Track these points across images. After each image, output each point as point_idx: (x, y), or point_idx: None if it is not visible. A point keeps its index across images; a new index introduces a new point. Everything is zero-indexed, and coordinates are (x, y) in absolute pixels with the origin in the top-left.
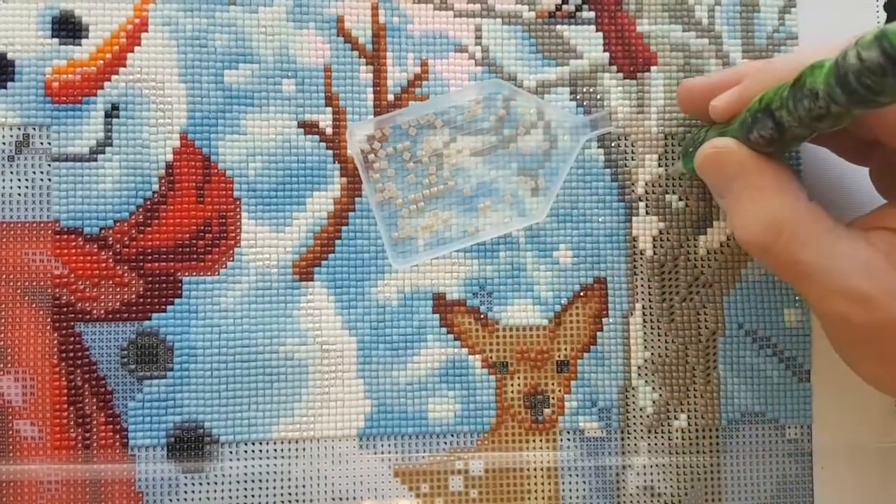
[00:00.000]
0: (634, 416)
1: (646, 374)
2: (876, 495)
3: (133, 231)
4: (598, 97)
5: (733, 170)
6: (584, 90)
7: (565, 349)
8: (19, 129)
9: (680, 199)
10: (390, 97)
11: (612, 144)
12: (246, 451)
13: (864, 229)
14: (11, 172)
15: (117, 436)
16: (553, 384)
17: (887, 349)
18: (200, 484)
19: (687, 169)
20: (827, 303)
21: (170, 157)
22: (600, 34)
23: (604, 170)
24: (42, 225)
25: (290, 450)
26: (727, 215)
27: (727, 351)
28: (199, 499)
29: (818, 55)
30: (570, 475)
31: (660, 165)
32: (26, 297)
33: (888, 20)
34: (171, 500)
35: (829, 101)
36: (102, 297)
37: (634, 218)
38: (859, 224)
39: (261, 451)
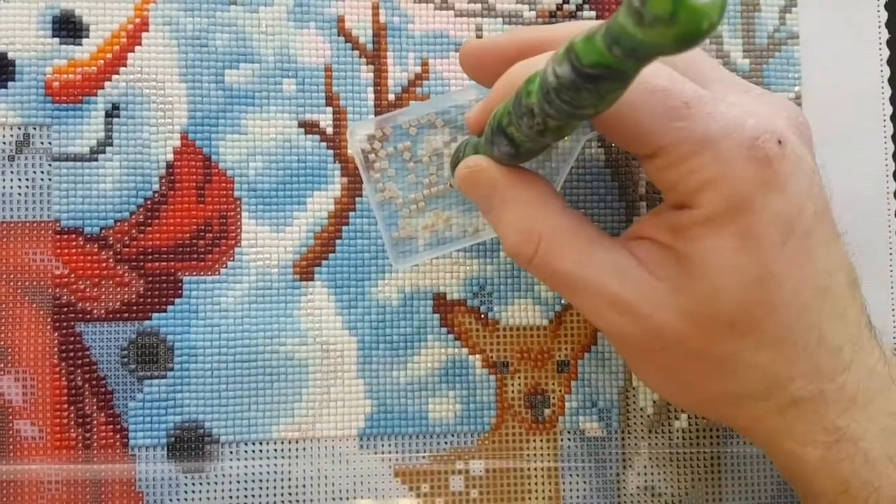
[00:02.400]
0: (635, 416)
1: None
2: None
3: (133, 231)
4: None
5: (487, 187)
6: None
7: (566, 349)
8: (20, 128)
9: None
10: (391, 97)
11: (613, 144)
12: (246, 451)
13: (626, 239)
14: (12, 172)
15: (117, 436)
16: (553, 384)
17: (664, 361)
18: (201, 484)
19: (455, 183)
20: (594, 313)
21: (170, 156)
22: None
23: (604, 169)
24: (42, 225)
25: (290, 450)
26: (496, 231)
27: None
28: (200, 499)
29: (550, 43)
30: (571, 475)
31: None
32: (26, 297)
33: (889, 20)
34: (171, 500)
35: (544, 117)
36: (103, 296)
37: (635, 218)
38: (624, 235)
39: (261, 451)
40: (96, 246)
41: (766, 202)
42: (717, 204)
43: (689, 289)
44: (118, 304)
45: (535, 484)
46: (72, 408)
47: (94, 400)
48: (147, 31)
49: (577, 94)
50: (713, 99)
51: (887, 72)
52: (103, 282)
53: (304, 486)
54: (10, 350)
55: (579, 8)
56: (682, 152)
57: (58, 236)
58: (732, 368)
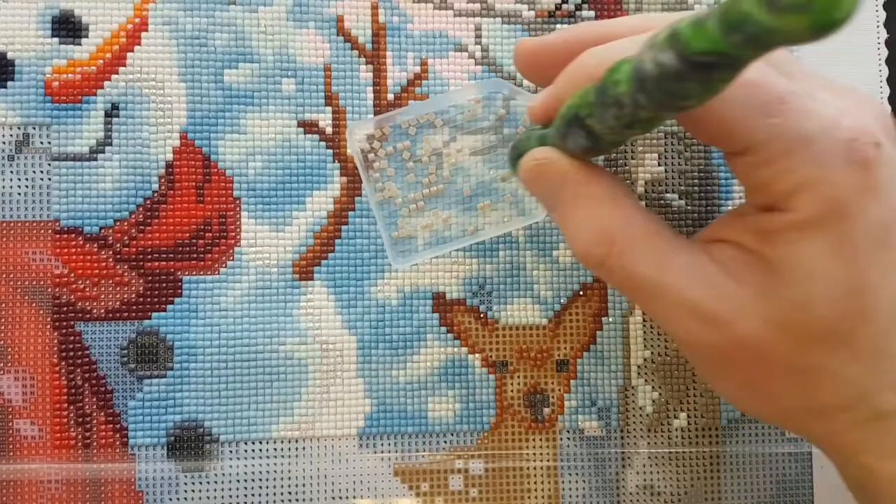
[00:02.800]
0: (634, 416)
1: (645, 374)
2: None
3: (133, 230)
4: None
5: (557, 182)
6: None
7: (565, 348)
8: (19, 128)
9: (680, 198)
10: (390, 96)
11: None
12: (246, 451)
13: (705, 242)
14: (11, 172)
15: (117, 435)
16: (553, 383)
17: (747, 371)
18: (200, 483)
19: (514, 175)
20: (671, 321)
21: (170, 156)
22: None
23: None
24: (42, 224)
25: (290, 449)
26: (561, 230)
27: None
28: (200, 498)
29: (630, 45)
30: (570, 474)
31: (659, 164)
32: (26, 297)
33: (888, 20)
34: (171, 500)
35: (634, 108)
36: (102, 296)
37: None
38: (701, 237)
39: (261, 450)
40: (96, 245)
41: (863, 208)
42: (813, 208)
43: (778, 296)
44: (118, 303)
45: (535, 483)
46: (71, 407)
47: (94, 399)
48: (146, 30)
49: (681, 84)
50: (808, 95)
51: (886, 71)
52: (103, 281)
53: (303, 485)
54: (9, 349)
55: (578, 8)
56: (777, 150)
57: (57, 236)
58: (818, 380)
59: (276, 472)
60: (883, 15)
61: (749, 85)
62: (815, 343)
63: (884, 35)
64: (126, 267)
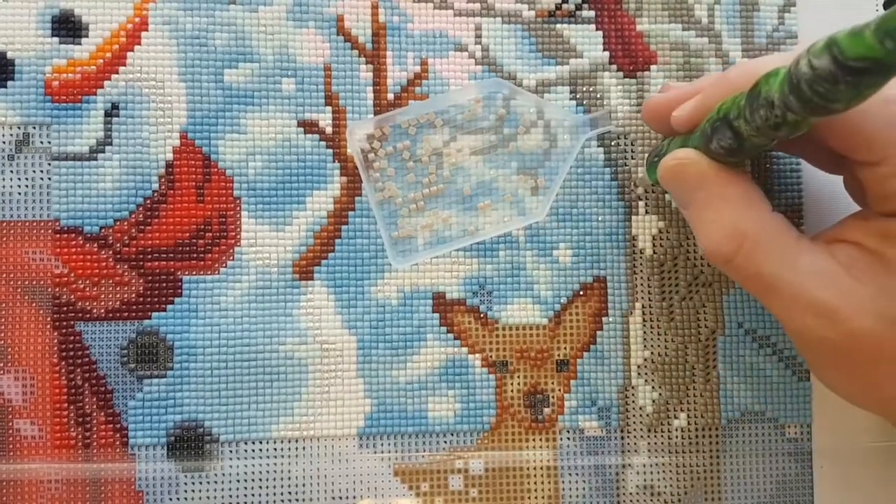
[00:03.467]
0: (634, 416)
1: (645, 374)
2: (876, 495)
3: (133, 230)
4: (598, 96)
5: (695, 181)
6: (584, 89)
7: (565, 348)
8: (19, 128)
9: None
10: (390, 96)
11: (612, 143)
12: (246, 451)
13: (826, 242)
14: (11, 171)
15: (117, 435)
16: (553, 383)
17: (856, 362)
18: (200, 483)
19: (651, 180)
20: (793, 316)
21: (170, 156)
22: (600, 33)
23: (604, 168)
24: (42, 224)
25: (289, 449)
26: (692, 227)
27: (727, 350)
28: (200, 498)
29: (775, 63)
30: (570, 474)
31: None
32: (26, 297)
33: None
34: (171, 499)
35: (784, 110)
36: (102, 296)
37: (634, 217)
38: (822, 237)
39: (261, 450)
40: (96, 245)
41: None
42: None
43: (894, 293)
44: (118, 303)
45: (535, 483)
46: (71, 407)
47: (94, 399)
48: (146, 30)
49: (833, 86)
50: None
51: None
52: (103, 281)
53: (303, 485)
54: (9, 349)
55: (578, 7)
56: None
57: (57, 235)
58: None
59: (276, 472)
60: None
61: (890, 102)
62: None
63: None
64: (126, 267)
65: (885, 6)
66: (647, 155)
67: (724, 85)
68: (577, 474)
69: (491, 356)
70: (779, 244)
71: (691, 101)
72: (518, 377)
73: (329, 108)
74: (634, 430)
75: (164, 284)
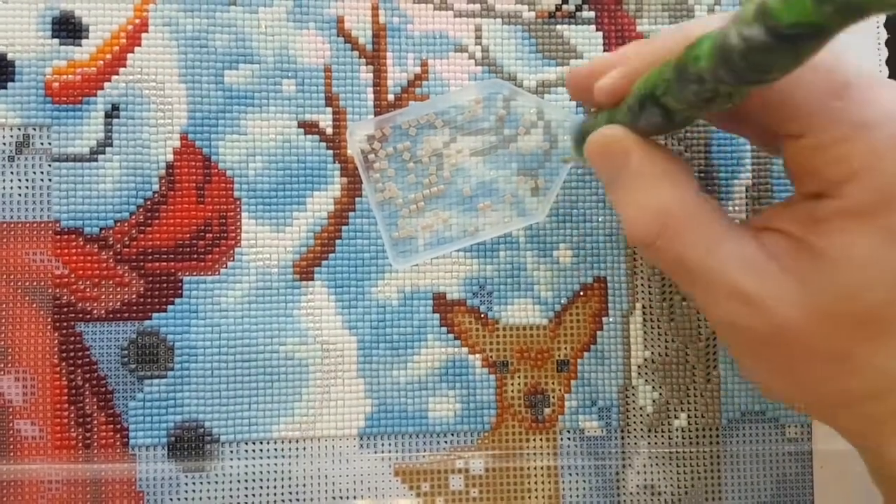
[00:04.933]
0: (634, 416)
1: (646, 374)
2: (876, 495)
3: (133, 231)
4: None
5: (620, 159)
6: None
7: (565, 348)
8: (19, 129)
9: None
10: (390, 97)
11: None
12: (246, 451)
13: (756, 229)
14: (12, 173)
15: (118, 435)
16: (553, 383)
17: (781, 356)
18: (201, 483)
19: (578, 158)
20: (714, 305)
21: (170, 157)
22: (600, 34)
23: None
24: (42, 225)
25: (290, 449)
26: (615, 208)
27: (727, 350)
28: (200, 498)
29: (704, 27)
30: (571, 474)
31: None
32: (27, 297)
33: (888, 20)
34: (171, 500)
35: (716, 83)
36: (103, 296)
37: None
38: (752, 223)
39: (261, 450)
40: (96, 246)
41: None
42: (865, 196)
43: (820, 284)
44: (118, 303)
45: (535, 483)
46: (72, 407)
47: (95, 399)
48: (147, 31)
49: (769, 55)
50: (871, 85)
51: (886, 72)
52: (103, 282)
53: (304, 485)
54: (10, 350)
55: (578, 8)
56: (833, 136)
57: (58, 236)
58: (853, 368)
59: (276, 472)
60: (883, 16)
61: (818, 67)
62: (855, 331)
63: (884, 35)
64: (126, 267)
65: None
66: (572, 131)
67: (646, 53)
68: (577, 474)
69: (491, 356)
70: (703, 228)
71: (614, 71)
72: (518, 377)
73: (329, 109)
74: (635, 430)
75: (165, 285)
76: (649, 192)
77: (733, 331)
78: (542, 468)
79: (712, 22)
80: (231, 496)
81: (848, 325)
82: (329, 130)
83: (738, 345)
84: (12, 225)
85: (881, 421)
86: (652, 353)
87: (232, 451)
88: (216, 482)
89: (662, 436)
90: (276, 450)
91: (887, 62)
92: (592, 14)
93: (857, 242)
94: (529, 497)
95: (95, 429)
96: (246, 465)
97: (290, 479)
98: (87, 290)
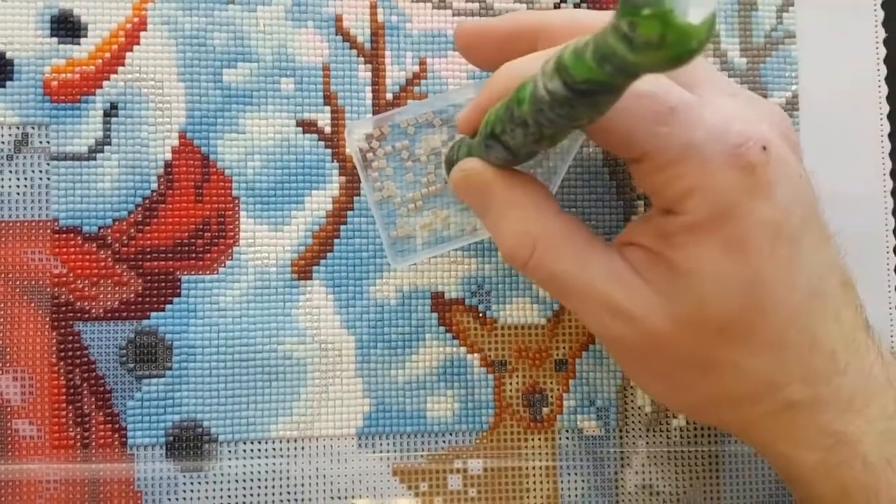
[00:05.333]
0: (633, 415)
1: None
2: None
3: (132, 230)
4: None
5: (483, 191)
6: None
7: (564, 348)
8: (18, 128)
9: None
10: (389, 96)
11: None
12: (245, 450)
13: (619, 244)
14: (10, 171)
15: (116, 435)
16: (552, 383)
17: (657, 363)
18: (199, 483)
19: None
20: (588, 316)
21: (168, 156)
22: None
23: (602, 168)
24: (41, 224)
25: (288, 449)
26: (490, 234)
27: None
28: (198, 498)
29: (531, 68)
30: (569, 474)
31: None
32: (25, 296)
33: (886, 19)
34: (169, 499)
35: (539, 127)
36: (101, 296)
37: (633, 216)
38: (618, 238)
39: (259, 450)
40: (95, 245)
41: (751, 208)
42: (702, 211)
43: (678, 295)
44: (117, 303)
45: (534, 483)
46: (70, 407)
47: (93, 399)
48: (145, 30)
49: (570, 108)
50: (699, 104)
51: (884, 70)
52: (102, 281)
53: (302, 485)
54: (8, 349)
55: (576, 7)
56: (667, 158)
57: (56, 235)
58: (723, 372)
59: (274, 471)
60: (881, 14)
61: (642, 96)
62: (714, 338)
63: (882, 35)
64: (125, 267)
65: (884, 5)
66: (442, 160)
67: (492, 90)
68: (575, 474)
69: (490, 356)
70: (569, 246)
71: (471, 105)
72: (517, 377)
73: (328, 108)
74: (633, 429)
75: (163, 284)
76: (515, 219)
77: (609, 340)
78: (540, 468)
79: (541, 60)
80: (229, 496)
81: (708, 332)
82: (327, 129)
83: (616, 353)
84: (11, 224)
85: (766, 423)
86: None
87: (230, 451)
88: (214, 482)
89: (661, 435)
90: (274, 449)
91: (885, 61)
92: None
93: (703, 255)
94: (528, 497)
95: (93, 428)
96: (244, 465)
97: (288, 478)
98: (86, 289)
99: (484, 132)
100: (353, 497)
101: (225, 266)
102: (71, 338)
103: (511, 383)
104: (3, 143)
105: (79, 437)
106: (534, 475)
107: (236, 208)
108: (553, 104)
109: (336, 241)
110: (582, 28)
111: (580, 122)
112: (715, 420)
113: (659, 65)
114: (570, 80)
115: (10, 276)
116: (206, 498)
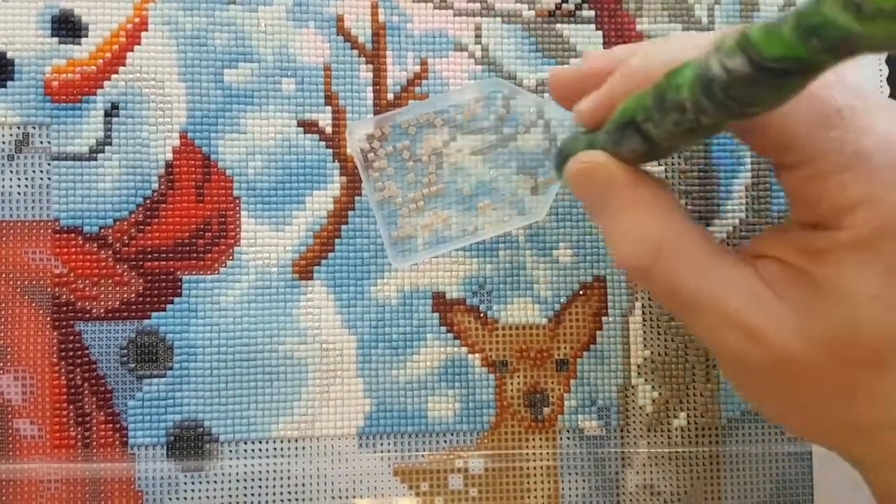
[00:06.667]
0: (634, 415)
1: (645, 373)
2: None
3: (133, 230)
4: None
5: (605, 187)
6: None
7: (565, 348)
8: (19, 128)
9: (680, 197)
10: (390, 96)
11: None
12: (245, 450)
13: (751, 256)
14: (11, 171)
15: (117, 434)
16: (553, 383)
17: (779, 385)
18: (200, 483)
19: (559, 180)
20: (714, 335)
21: (169, 156)
22: (600, 33)
23: None
24: (42, 224)
25: (289, 448)
26: (604, 236)
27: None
28: (199, 497)
29: (679, 52)
30: (570, 474)
31: (659, 164)
32: (26, 296)
33: None
34: (170, 499)
35: (697, 114)
36: (102, 295)
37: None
38: (747, 250)
39: (260, 449)
40: (95, 245)
41: None
42: (866, 227)
43: (825, 315)
44: (117, 303)
45: (535, 482)
46: (71, 407)
47: (94, 399)
48: (146, 30)
49: (751, 89)
50: (867, 110)
51: (886, 70)
52: (102, 281)
53: (303, 484)
54: (9, 349)
55: (578, 7)
56: (832, 165)
57: (57, 235)
58: (862, 398)
59: (275, 471)
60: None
61: (811, 97)
62: (860, 363)
63: None
64: (126, 266)
65: None
66: (553, 152)
67: (627, 77)
68: (576, 474)
69: (491, 356)
70: (698, 255)
71: (595, 94)
72: (518, 377)
73: (329, 108)
74: (634, 429)
75: (164, 284)
76: (640, 219)
77: (731, 360)
78: (541, 468)
79: (696, 41)
80: (230, 496)
81: (852, 356)
82: (328, 129)
83: (737, 373)
84: (11, 224)
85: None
86: (651, 352)
87: (231, 451)
88: (215, 482)
89: (662, 435)
90: (275, 449)
91: (887, 61)
92: (592, 13)
93: (860, 275)
94: (529, 497)
95: (94, 428)
96: (245, 465)
97: (289, 478)
98: (87, 289)
99: (617, 121)
100: (353, 497)
101: (226, 266)
102: (72, 338)
103: (512, 383)
104: (3, 143)
105: (79, 436)
106: (535, 475)
107: (237, 208)
108: (730, 84)
109: (337, 241)
110: (674, 58)
111: (754, 108)
112: (839, 445)
113: (886, 41)
114: (757, 56)
115: (11, 276)
116: (207, 498)
